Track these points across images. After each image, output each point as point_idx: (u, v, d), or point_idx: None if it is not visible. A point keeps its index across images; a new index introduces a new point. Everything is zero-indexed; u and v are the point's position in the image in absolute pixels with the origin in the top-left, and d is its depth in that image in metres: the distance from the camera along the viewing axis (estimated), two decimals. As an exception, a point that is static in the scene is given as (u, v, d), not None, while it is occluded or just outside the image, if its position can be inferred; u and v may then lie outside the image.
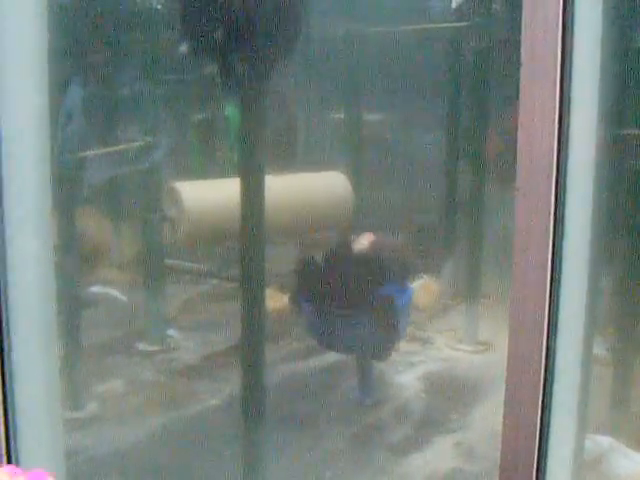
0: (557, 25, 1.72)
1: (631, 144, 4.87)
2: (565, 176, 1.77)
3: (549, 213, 1.75)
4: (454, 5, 7.39)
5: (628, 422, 4.89)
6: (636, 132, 4.96)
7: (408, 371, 5.90)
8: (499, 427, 4.89)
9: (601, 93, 1.81)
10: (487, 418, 5.12)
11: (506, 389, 1.89)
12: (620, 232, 5.09)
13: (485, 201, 6.80)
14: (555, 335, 1.83)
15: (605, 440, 4.49)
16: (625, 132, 4.75)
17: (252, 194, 4.28)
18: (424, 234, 7.38)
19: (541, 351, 1.81)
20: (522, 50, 1.74)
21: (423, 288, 6.87)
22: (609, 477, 4.32)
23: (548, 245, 1.77)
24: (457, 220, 7.09)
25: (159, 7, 7.51)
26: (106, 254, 7.08)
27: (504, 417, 1.90)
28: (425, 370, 5.74)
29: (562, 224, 1.79)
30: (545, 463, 1.91)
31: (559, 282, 1.81)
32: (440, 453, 4.89)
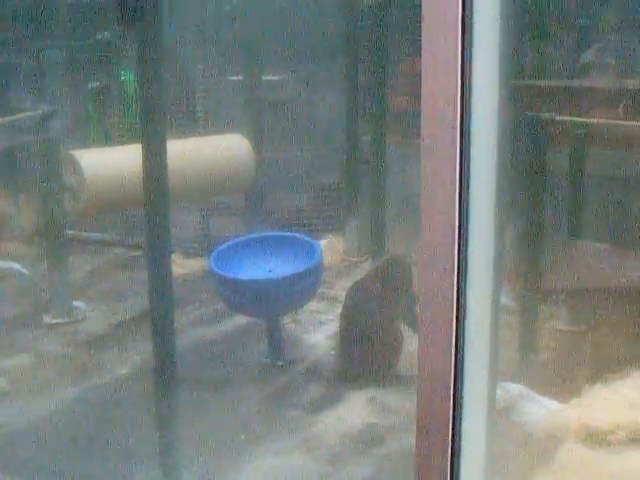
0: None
1: (532, 94, 4.95)
2: (469, 125, 1.78)
3: (454, 162, 1.76)
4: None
5: (536, 369, 5.00)
6: (537, 83, 5.04)
7: (317, 330, 5.93)
8: (412, 380, 4.97)
9: (502, 43, 1.83)
10: (399, 372, 5.18)
11: (419, 333, 1.90)
12: (524, 182, 5.17)
13: (387, 159, 6.84)
14: (465, 279, 1.85)
15: (515, 387, 4.59)
16: (527, 82, 4.82)
17: (153, 159, 4.22)
18: (327, 193, 7.41)
19: (452, 293, 1.83)
20: (422, 4, 1.74)
21: (328, 247, 6.90)
22: (520, 422, 4.42)
23: (455, 193, 1.78)
24: (360, 179, 7.11)
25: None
26: (6, 227, 6.95)
27: (419, 359, 1.92)
28: (334, 328, 5.75)
29: (468, 172, 1.80)
30: (460, 412, 1.93)
31: (467, 230, 1.82)
32: (354, 409, 4.93)
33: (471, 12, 1.75)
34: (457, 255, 1.82)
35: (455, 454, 1.93)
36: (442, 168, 1.79)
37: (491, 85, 1.83)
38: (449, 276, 1.83)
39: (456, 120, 1.76)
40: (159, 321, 4.38)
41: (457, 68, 1.75)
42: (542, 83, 5.23)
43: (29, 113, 6.32)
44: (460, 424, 1.94)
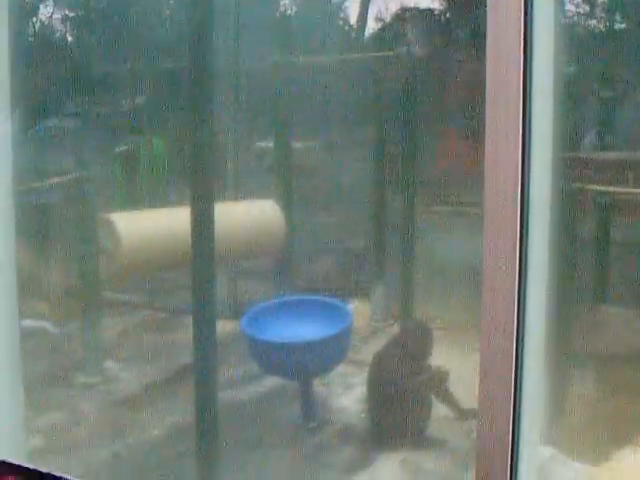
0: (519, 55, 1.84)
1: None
2: (529, 201, 1.87)
3: (515, 239, 1.87)
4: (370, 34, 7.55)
5: (566, 432, 5.04)
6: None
7: (346, 393, 5.98)
8: (444, 442, 5.00)
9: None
10: (431, 433, 5.24)
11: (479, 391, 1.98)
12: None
13: (415, 224, 6.94)
14: (522, 345, 1.94)
15: (546, 450, 4.63)
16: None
17: (200, 221, 4.34)
18: (355, 258, 7.50)
19: (511, 350, 1.92)
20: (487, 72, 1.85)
21: (355, 311, 6.97)
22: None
23: (515, 261, 1.88)
24: (387, 243, 7.20)
25: (88, 42, 7.56)
26: (40, 286, 7.04)
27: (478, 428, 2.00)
28: (363, 392, 5.80)
29: (526, 251, 1.90)
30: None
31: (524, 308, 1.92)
32: (387, 471, 4.98)
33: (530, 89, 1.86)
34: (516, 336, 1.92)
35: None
36: (502, 246, 1.89)
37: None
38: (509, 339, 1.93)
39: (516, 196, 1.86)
40: (202, 382, 4.46)
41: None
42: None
43: (66, 176, 6.47)
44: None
